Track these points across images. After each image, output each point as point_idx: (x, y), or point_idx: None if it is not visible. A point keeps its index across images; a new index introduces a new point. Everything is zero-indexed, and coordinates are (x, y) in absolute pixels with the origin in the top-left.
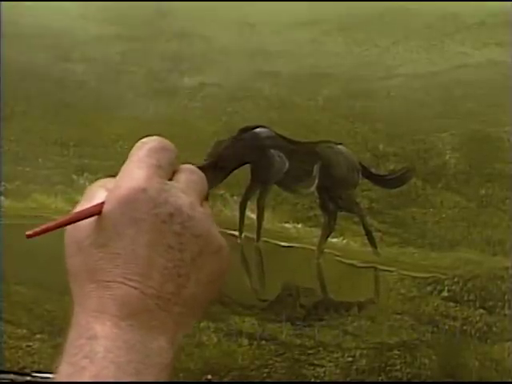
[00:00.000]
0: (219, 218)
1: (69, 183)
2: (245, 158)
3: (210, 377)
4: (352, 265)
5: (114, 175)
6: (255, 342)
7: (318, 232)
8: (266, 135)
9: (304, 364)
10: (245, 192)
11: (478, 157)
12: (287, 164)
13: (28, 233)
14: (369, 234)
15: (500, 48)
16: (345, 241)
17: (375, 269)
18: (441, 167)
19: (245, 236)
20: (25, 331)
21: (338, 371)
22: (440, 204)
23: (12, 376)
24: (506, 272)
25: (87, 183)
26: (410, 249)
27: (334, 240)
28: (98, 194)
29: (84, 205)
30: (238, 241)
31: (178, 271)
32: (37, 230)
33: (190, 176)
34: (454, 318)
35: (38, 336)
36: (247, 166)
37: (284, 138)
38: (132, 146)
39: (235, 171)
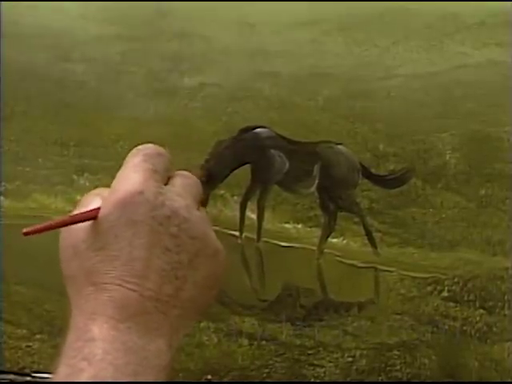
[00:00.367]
0: (219, 218)
1: (69, 183)
2: (245, 158)
3: (209, 377)
4: (352, 265)
5: (114, 175)
6: (255, 343)
7: (318, 232)
8: (267, 135)
9: (304, 364)
10: (245, 192)
11: (478, 157)
12: (287, 164)
13: (25, 230)
14: (369, 234)
15: (500, 48)
16: (345, 241)
17: (375, 269)
18: (441, 167)
19: (245, 236)
20: (24, 331)
21: (337, 371)
22: (440, 204)
23: (12, 376)
24: (506, 272)
25: (87, 183)
26: (410, 249)
27: (334, 240)
28: (94, 201)
29: (79, 211)
30: (239, 241)
31: (175, 273)
32: (34, 228)
33: (185, 180)
34: (454, 318)
35: (38, 336)
36: (247, 166)
37: (284, 138)
38: (132, 146)
39: (235, 171)
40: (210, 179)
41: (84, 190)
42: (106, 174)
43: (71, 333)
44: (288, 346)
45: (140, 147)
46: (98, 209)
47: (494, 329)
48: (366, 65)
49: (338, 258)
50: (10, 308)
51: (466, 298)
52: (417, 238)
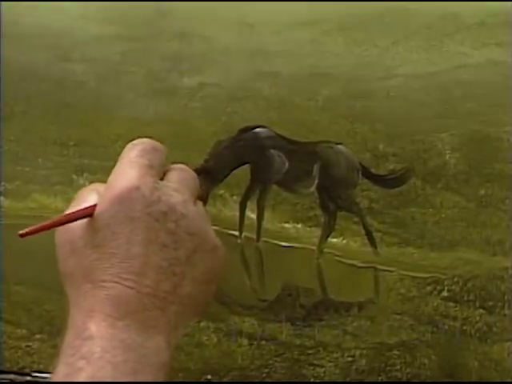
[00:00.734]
0: (219, 217)
1: (68, 183)
2: (245, 158)
3: (209, 377)
4: (352, 265)
5: None
6: (255, 342)
7: (317, 232)
8: (266, 135)
9: (304, 364)
10: (245, 192)
11: (478, 157)
12: (287, 164)
13: (21, 232)
14: (369, 234)
15: (500, 48)
16: (345, 241)
17: (375, 269)
18: (440, 167)
19: (245, 236)
20: (24, 331)
21: (337, 371)
22: (440, 204)
23: (12, 376)
24: (506, 272)
25: (87, 183)
26: (410, 249)
27: (334, 240)
28: (90, 197)
29: (75, 208)
30: (238, 241)
31: (173, 269)
32: (29, 229)
33: (181, 174)
34: (454, 318)
35: (38, 336)
36: (247, 166)
37: (284, 137)
38: None
39: (235, 171)
40: (208, 175)
41: None
42: (105, 174)
43: (69, 331)
44: (288, 346)
45: (135, 142)
46: (94, 206)
47: (494, 329)
48: (366, 65)
49: (337, 258)
50: (10, 308)
51: (465, 298)
52: (416, 238)
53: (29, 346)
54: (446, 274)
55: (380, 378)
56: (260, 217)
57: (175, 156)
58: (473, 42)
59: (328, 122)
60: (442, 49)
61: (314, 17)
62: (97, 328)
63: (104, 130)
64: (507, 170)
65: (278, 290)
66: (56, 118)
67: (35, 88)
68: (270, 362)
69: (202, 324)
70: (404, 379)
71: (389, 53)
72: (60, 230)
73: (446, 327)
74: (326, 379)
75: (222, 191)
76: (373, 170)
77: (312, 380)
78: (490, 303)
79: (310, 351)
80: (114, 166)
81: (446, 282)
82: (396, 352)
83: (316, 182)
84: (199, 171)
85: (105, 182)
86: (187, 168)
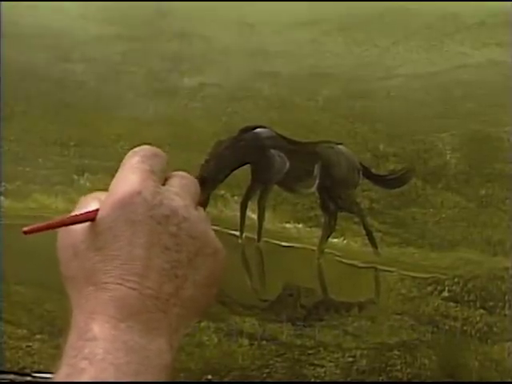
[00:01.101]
0: (220, 217)
1: (69, 183)
2: (245, 158)
3: (210, 377)
4: (352, 265)
5: (114, 175)
6: (256, 342)
7: (318, 232)
8: (267, 135)
9: (304, 364)
10: (245, 192)
11: (478, 157)
12: (288, 164)
13: (25, 229)
14: (369, 234)
15: (500, 48)
16: (345, 241)
17: (375, 269)
18: (441, 167)
19: (246, 236)
20: (25, 331)
21: (338, 371)
22: (440, 204)
23: (12, 376)
24: (506, 272)
25: (87, 183)
26: (411, 249)
27: (335, 240)
28: (92, 203)
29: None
30: (239, 241)
31: (175, 272)
32: (33, 227)
33: (182, 180)
34: (455, 319)
35: (38, 336)
36: (247, 166)
37: (284, 138)
38: (132, 146)
39: (236, 171)
40: (205, 182)
41: (84, 190)
42: (105, 174)
43: (72, 332)
44: (288, 346)
45: (136, 149)
46: (97, 210)
47: (495, 329)
48: (366, 65)
49: (338, 258)
50: (10, 308)
51: (466, 298)
52: (417, 238)
53: (29, 347)
54: (446, 274)
55: (380, 378)
56: (261, 217)
57: (175, 156)
58: (473, 41)
59: (328, 122)
60: (442, 49)
61: (314, 17)
62: (100, 329)
63: (104, 130)
64: (508, 170)
65: (279, 290)
66: (56, 117)
67: (35, 88)
68: (271, 362)
69: (202, 324)
70: (404, 379)
71: (389, 53)
72: (62, 235)
73: (447, 327)
74: (327, 379)
75: (222, 191)
76: (373, 170)
77: (313, 380)
78: (491, 303)
79: (310, 351)
80: (114, 166)
81: (446, 282)
82: (396, 352)
83: (317, 182)
84: (199, 180)
85: (106, 181)
86: (188, 175)
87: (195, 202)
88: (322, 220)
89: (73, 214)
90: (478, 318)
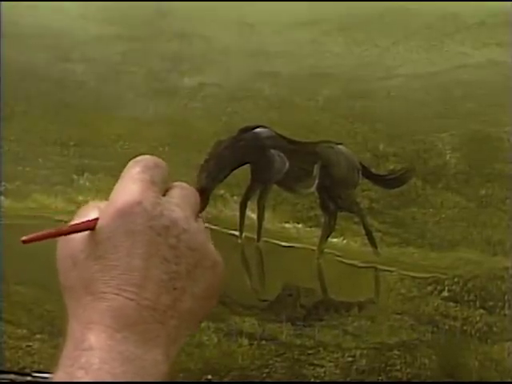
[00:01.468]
0: (219, 217)
1: (69, 183)
2: (245, 158)
3: (210, 377)
4: (352, 265)
5: (114, 175)
6: (255, 342)
7: (318, 232)
8: (266, 135)
9: (304, 364)
10: (245, 192)
11: (478, 157)
12: (287, 164)
13: (24, 238)
14: (369, 234)
15: (500, 48)
16: (345, 241)
17: (375, 269)
18: (441, 167)
19: (245, 236)
20: (25, 331)
21: (337, 371)
22: (440, 204)
23: (12, 376)
24: (506, 272)
25: (87, 183)
26: (410, 249)
27: (335, 240)
28: (92, 213)
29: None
30: (239, 241)
31: (173, 284)
32: (32, 236)
33: (182, 191)
34: (454, 318)
35: (38, 336)
36: (247, 166)
37: (284, 137)
38: (132, 146)
39: (235, 171)
40: (205, 193)
41: (84, 190)
42: (105, 174)
43: (68, 342)
44: (288, 346)
45: (137, 159)
46: (96, 219)
47: (494, 329)
48: (366, 65)
49: (338, 258)
50: (10, 308)
51: (466, 298)
52: (417, 238)
53: (29, 346)
54: (446, 274)
55: (380, 378)
56: (260, 217)
57: (176, 156)
58: (473, 41)
59: (328, 122)
60: (442, 49)
61: (314, 17)
62: (96, 339)
63: (104, 130)
64: (507, 170)
65: (279, 289)
66: (56, 117)
67: (35, 88)
68: (271, 361)
69: (202, 324)
70: (404, 379)
71: (389, 53)
72: (61, 244)
73: (447, 327)
74: (327, 379)
75: (222, 191)
76: (373, 170)
77: (312, 380)
78: (491, 303)
79: (310, 351)
80: (114, 165)
81: (446, 282)
82: (396, 352)
83: (316, 181)
84: (199, 190)
85: (105, 181)
86: (188, 186)
87: (195, 214)
88: (322, 220)
89: (72, 222)
90: (477, 318)
